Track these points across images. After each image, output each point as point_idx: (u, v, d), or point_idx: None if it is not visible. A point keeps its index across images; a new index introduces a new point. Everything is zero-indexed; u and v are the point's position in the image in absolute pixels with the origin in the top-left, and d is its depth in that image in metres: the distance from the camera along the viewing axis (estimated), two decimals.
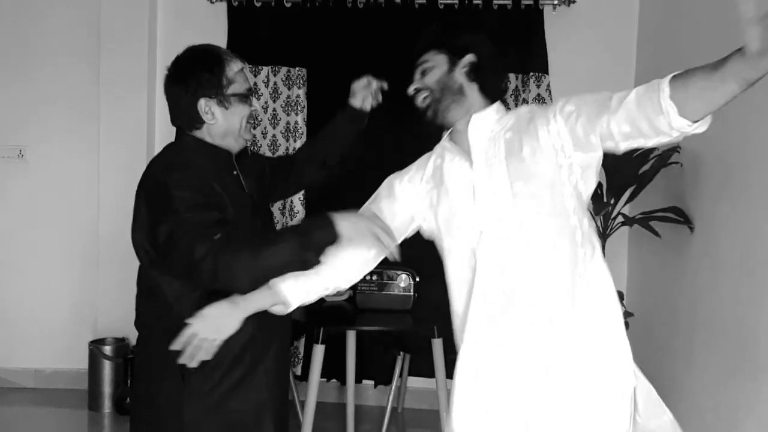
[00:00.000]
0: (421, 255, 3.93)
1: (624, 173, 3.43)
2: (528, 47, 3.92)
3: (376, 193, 2.06)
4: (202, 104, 1.91)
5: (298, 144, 4.01)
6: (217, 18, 4.08)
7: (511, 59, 3.94)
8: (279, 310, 1.88)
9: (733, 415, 2.77)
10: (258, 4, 4.00)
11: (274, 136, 4.07)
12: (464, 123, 1.89)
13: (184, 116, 1.93)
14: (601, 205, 3.40)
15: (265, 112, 4.06)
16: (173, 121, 1.99)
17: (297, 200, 4.03)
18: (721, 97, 1.57)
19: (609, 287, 1.81)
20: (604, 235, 3.53)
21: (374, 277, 3.28)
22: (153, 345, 1.95)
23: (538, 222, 1.76)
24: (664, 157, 3.32)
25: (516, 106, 3.97)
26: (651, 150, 3.41)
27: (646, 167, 3.39)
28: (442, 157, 1.95)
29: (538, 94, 3.93)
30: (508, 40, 3.92)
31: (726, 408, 2.83)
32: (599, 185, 3.50)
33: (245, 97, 1.97)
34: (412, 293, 3.27)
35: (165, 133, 4.16)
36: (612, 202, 3.48)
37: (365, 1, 3.96)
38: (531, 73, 3.92)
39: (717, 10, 3.05)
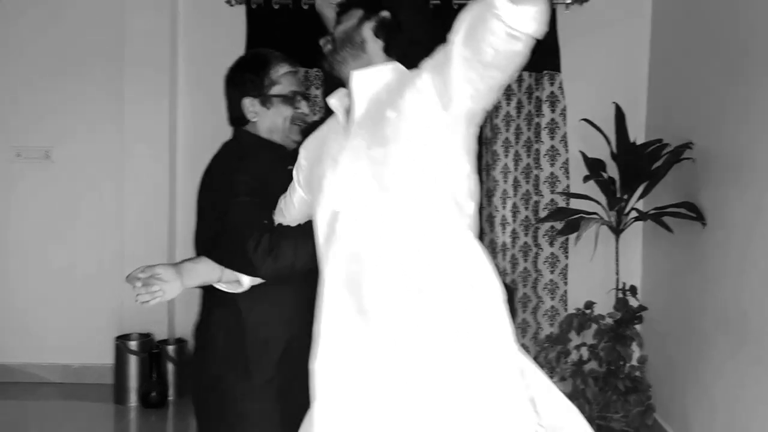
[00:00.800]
0: None
1: (637, 169, 3.47)
2: (541, 46, 3.92)
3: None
4: (246, 103, 2.05)
5: None
6: (236, 20, 4.16)
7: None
8: (228, 288, 1.90)
9: (748, 409, 2.81)
10: (276, 7, 4.08)
11: None
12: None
13: (234, 114, 2.09)
14: (614, 200, 3.46)
15: None
16: (229, 120, 2.13)
17: None
18: None
19: (481, 273, 1.66)
20: (618, 231, 3.58)
21: None
22: (220, 339, 2.00)
23: (400, 196, 1.61)
24: (677, 152, 3.36)
25: (529, 104, 4.02)
26: (664, 146, 3.45)
27: (658, 163, 3.44)
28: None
29: (552, 92, 3.97)
30: None
31: (740, 402, 2.87)
32: (612, 180, 3.56)
33: (289, 98, 2.07)
34: None
35: (188, 134, 4.26)
36: (625, 197, 3.52)
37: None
38: (544, 72, 3.97)
39: (731, 8, 3.08)
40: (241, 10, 4.15)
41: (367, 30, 1.79)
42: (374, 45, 1.78)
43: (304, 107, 2.11)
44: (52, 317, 4.41)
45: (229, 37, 4.18)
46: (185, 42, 4.27)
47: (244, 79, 2.07)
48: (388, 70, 1.76)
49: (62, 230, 4.41)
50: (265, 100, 2.05)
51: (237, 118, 2.09)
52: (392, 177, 1.61)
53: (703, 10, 3.36)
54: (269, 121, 2.06)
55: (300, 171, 1.92)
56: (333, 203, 1.69)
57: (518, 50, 1.50)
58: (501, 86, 1.58)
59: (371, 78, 1.75)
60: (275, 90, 2.06)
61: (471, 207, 1.67)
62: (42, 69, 4.35)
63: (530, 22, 1.46)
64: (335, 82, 1.85)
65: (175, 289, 1.83)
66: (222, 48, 4.19)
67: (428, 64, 1.65)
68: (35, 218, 4.42)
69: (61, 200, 4.40)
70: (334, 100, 1.82)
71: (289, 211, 1.94)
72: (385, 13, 1.77)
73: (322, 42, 1.86)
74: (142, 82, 4.19)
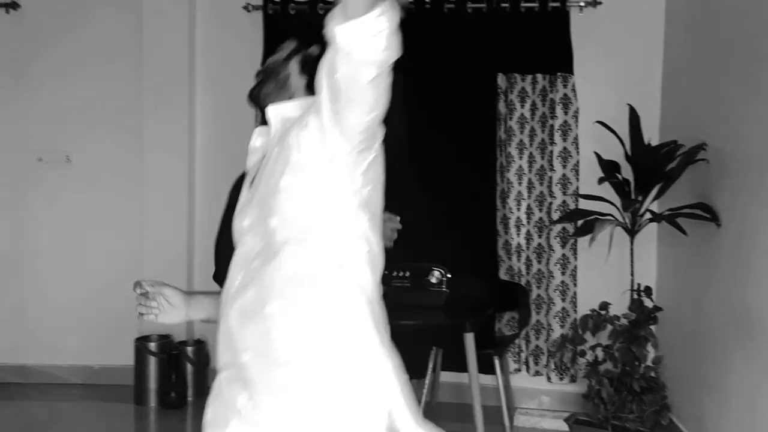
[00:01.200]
0: (452, 251, 4.07)
1: (651, 170, 3.49)
2: (554, 48, 4.00)
3: None
4: None
5: None
6: (254, 26, 4.22)
7: (538, 60, 4.02)
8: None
9: (763, 409, 2.81)
10: (292, 12, 4.14)
11: None
12: None
13: None
14: (628, 202, 3.47)
15: None
16: None
17: None
18: None
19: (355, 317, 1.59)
20: (632, 232, 3.59)
21: (407, 273, 3.38)
22: None
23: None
24: (691, 153, 3.37)
25: (544, 106, 4.05)
26: (678, 147, 3.47)
27: (673, 164, 3.45)
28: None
29: (565, 94, 4.00)
30: (535, 41, 4.01)
31: (756, 402, 2.88)
32: (626, 182, 3.58)
33: None
34: (444, 289, 3.37)
35: (207, 138, 4.32)
36: (640, 199, 3.54)
37: None
38: (558, 74, 4.00)
39: (745, 8, 3.10)
40: (258, 16, 4.21)
41: (294, 64, 1.72)
42: (298, 80, 1.71)
43: None
44: (73, 319, 4.48)
45: (247, 43, 4.23)
46: (203, 47, 4.33)
47: None
48: (296, 104, 1.68)
49: (83, 233, 4.48)
50: None
51: None
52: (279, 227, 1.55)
53: (717, 11, 3.38)
54: None
55: None
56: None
57: (367, 78, 1.45)
58: (372, 122, 1.51)
59: (282, 114, 1.69)
60: None
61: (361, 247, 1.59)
62: (62, 75, 4.43)
63: (371, 48, 1.45)
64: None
65: (177, 316, 1.80)
66: (239, 53, 4.27)
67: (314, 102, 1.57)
68: (56, 221, 4.49)
69: (82, 203, 4.47)
70: (256, 139, 1.76)
71: None
72: (314, 49, 1.68)
73: (256, 73, 1.77)
74: (161, 87, 4.26)
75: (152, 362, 4.16)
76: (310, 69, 1.65)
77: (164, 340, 4.23)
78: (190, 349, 4.21)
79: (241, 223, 1.64)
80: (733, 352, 3.07)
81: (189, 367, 4.20)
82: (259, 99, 1.72)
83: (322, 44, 1.52)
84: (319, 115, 1.50)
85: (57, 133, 4.46)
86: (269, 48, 4.18)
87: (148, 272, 4.27)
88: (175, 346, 4.20)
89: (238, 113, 4.17)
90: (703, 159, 3.36)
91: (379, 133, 1.59)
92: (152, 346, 4.18)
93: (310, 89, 1.66)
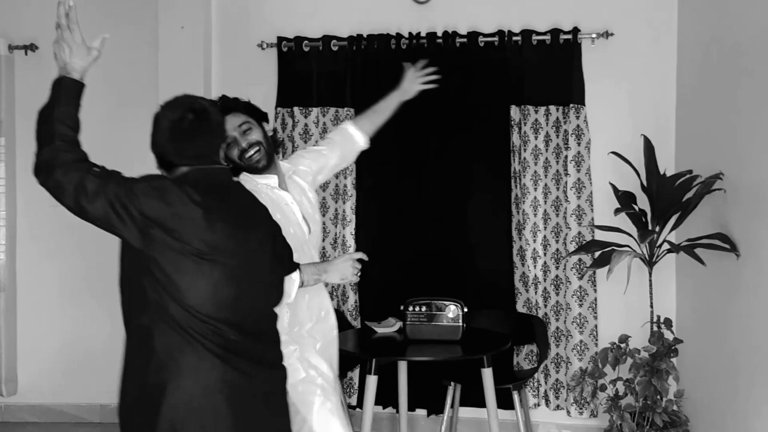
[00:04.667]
0: (469, 284, 4.05)
1: (668, 200, 3.47)
2: (567, 80, 4.01)
3: None
4: (222, 148, 2.31)
5: (349, 181, 4.15)
6: (267, 63, 4.27)
7: (551, 92, 4.03)
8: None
9: None
10: (306, 49, 4.18)
11: None
12: (279, 173, 2.67)
13: (212, 154, 2.19)
14: (646, 233, 3.45)
15: None
16: (200, 160, 2.16)
17: (348, 234, 4.16)
18: (383, 121, 3.08)
19: None
20: (650, 263, 3.56)
21: (423, 309, 3.37)
22: None
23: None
24: (708, 183, 3.35)
25: (557, 137, 4.05)
26: (694, 177, 3.45)
27: (689, 194, 3.43)
28: (271, 195, 2.61)
29: (578, 126, 4.00)
30: (548, 73, 4.02)
31: None
32: (643, 213, 3.56)
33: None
34: (461, 323, 3.34)
35: None
36: (657, 229, 3.52)
37: (408, 42, 4.10)
38: (571, 105, 4.00)
39: (757, 35, 3.09)
40: (272, 53, 4.26)
41: (268, 136, 2.71)
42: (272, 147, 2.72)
43: None
44: (91, 357, 4.47)
45: (261, 79, 4.28)
46: (218, 86, 4.37)
47: (222, 129, 2.22)
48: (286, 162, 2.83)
49: (98, 271, 4.48)
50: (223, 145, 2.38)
51: (214, 156, 2.17)
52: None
53: (730, 40, 3.38)
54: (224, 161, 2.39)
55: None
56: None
57: None
58: None
59: (294, 173, 2.78)
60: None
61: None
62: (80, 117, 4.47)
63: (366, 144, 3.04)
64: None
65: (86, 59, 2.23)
66: (254, 91, 4.30)
67: (305, 157, 2.90)
68: (73, 257, 4.51)
69: (103, 242, 4.47)
70: (276, 189, 2.67)
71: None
72: (269, 126, 2.74)
73: (245, 146, 2.59)
74: None
75: None
76: (274, 137, 2.83)
77: None
78: None
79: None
80: (756, 385, 3.01)
81: None
82: (268, 164, 2.65)
83: (267, 120, 2.79)
84: (321, 169, 2.97)
85: None
86: (284, 85, 4.29)
87: None
88: None
89: None
90: (720, 189, 3.34)
91: None
92: None
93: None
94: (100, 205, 2.01)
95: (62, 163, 2.03)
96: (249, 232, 2.11)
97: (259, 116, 2.66)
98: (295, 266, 2.36)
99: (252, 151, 2.55)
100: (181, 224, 1.99)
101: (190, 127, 2.12)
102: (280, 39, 4.22)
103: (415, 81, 3.05)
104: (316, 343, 2.65)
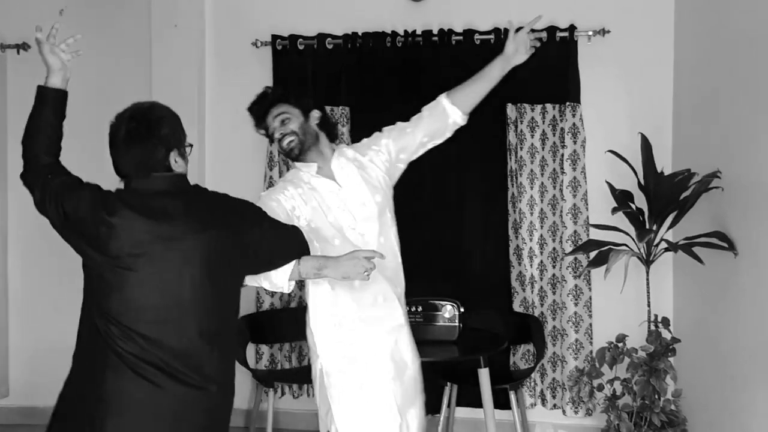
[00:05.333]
0: (465, 283, 4.02)
1: (665, 199, 3.45)
2: (563, 78, 3.99)
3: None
4: (172, 156, 2.19)
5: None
6: (262, 61, 4.24)
7: (547, 90, 4.01)
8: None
9: None
10: (301, 47, 4.15)
11: None
12: (323, 160, 2.62)
13: (153, 163, 2.18)
14: (644, 232, 3.43)
15: None
16: (144, 169, 2.20)
17: None
18: (483, 92, 2.74)
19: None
20: (648, 262, 3.54)
21: (419, 309, 3.34)
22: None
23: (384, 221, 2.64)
24: (705, 182, 3.33)
25: (554, 135, 4.03)
26: (692, 175, 3.43)
27: (687, 193, 3.41)
28: (310, 183, 2.60)
29: (574, 124, 3.98)
30: (544, 71, 3.98)
31: None
32: (640, 211, 3.54)
33: (190, 146, 2.31)
34: (457, 324, 3.32)
35: (216, 177, 4.32)
36: (654, 228, 3.50)
37: (404, 39, 4.08)
38: (567, 103, 3.98)
39: (755, 32, 3.08)
40: (266, 52, 4.23)
41: (314, 124, 2.62)
42: (322, 134, 2.64)
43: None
44: None
45: (255, 78, 4.24)
46: (212, 84, 4.35)
47: (173, 135, 2.20)
48: (346, 148, 2.73)
49: None
50: (183, 152, 2.24)
51: (152, 167, 2.17)
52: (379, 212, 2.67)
53: (727, 37, 3.36)
54: (184, 170, 2.24)
55: (295, 220, 2.52)
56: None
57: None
58: None
59: (342, 156, 2.66)
60: (187, 142, 2.28)
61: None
62: (71, 115, 4.43)
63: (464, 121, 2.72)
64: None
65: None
66: (249, 89, 4.26)
67: (385, 137, 2.72)
68: (68, 257, 4.46)
69: None
70: (317, 176, 2.62)
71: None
72: (317, 113, 2.64)
73: (277, 136, 2.60)
74: None
75: None
76: (325, 126, 2.67)
77: None
78: None
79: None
80: (755, 384, 3.00)
81: None
82: (302, 154, 2.60)
83: (317, 107, 2.67)
84: (401, 150, 2.76)
85: (70, 170, 4.46)
86: (279, 83, 4.24)
87: None
88: None
89: (250, 151, 4.21)
90: (717, 187, 3.32)
91: None
92: None
93: (330, 138, 2.69)
94: (51, 208, 2.24)
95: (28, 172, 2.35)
96: (174, 243, 2.09)
97: (302, 106, 2.62)
98: (290, 259, 2.29)
99: (286, 141, 2.57)
100: (99, 232, 2.09)
101: (125, 138, 2.18)
102: (275, 37, 4.18)
103: (522, 43, 2.67)
104: (363, 330, 2.59)
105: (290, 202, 2.53)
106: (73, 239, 2.18)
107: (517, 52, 2.65)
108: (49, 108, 2.40)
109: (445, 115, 2.66)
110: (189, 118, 4.20)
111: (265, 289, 2.93)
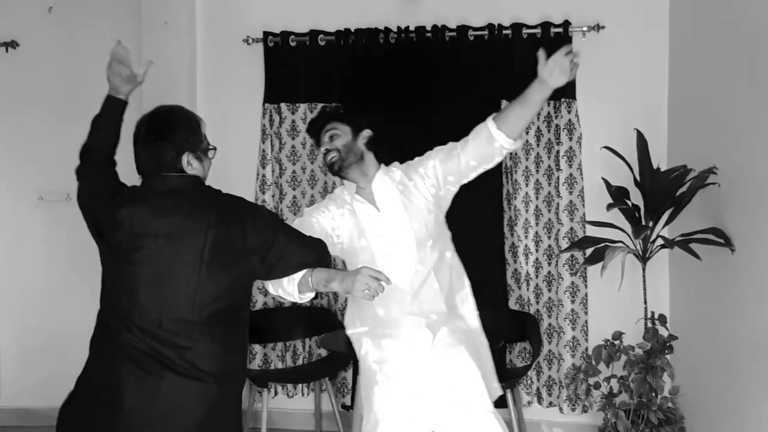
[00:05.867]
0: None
1: (662, 195, 3.43)
2: None
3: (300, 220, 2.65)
4: (185, 158, 2.29)
5: (337, 179, 4.07)
6: (254, 58, 4.19)
7: None
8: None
9: None
10: (293, 44, 4.11)
11: (312, 170, 4.15)
12: (366, 180, 2.66)
13: (167, 164, 2.29)
14: (640, 228, 3.40)
15: (303, 148, 4.15)
16: (157, 168, 2.31)
17: None
18: (527, 117, 2.63)
19: None
20: (644, 259, 3.52)
21: None
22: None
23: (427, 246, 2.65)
24: (702, 177, 3.31)
25: (549, 132, 4.00)
26: (688, 171, 3.41)
27: (683, 189, 3.39)
28: (351, 204, 2.65)
29: (569, 120, 3.95)
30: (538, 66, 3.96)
31: None
32: (636, 208, 3.52)
33: (211, 152, 2.40)
34: None
35: (209, 182, 4.27)
36: (651, 225, 3.47)
37: (397, 36, 4.04)
38: (562, 99, 3.95)
39: (752, 28, 3.05)
40: (258, 48, 4.18)
41: (361, 144, 2.66)
42: (368, 154, 2.67)
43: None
44: (73, 361, 4.39)
45: (247, 75, 4.21)
46: (203, 82, 4.30)
47: (186, 138, 2.30)
48: (390, 169, 2.73)
49: (85, 273, 4.42)
50: (202, 155, 2.34)
51: (166, 166, 2.29)
52: (421, 235, 2.70)
53: (723, 32, 3.34)
54: (200, 171, 2.34)
55: (335, 240, 2.60)
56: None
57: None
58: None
59: (387, 178, 2.68)
60: (205, 144, 2.37)
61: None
62: (61, 112, 4.40)
63: (517, 144, 2.63)
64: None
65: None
66: (240, 86, 4.25)
67: (433, 157, 2.69)
68: (57, 262, 4.43)
69: (82, 244, 4.40)
70: (357, 197, 2.67)
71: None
72: (368, 132, 2.68)
73: (322, 151, 2.67)
74: None
75: None
76: (374, 146, 2.70)
77: None
78: None
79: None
80: (753, 380, 2.98)
81: None
82: (342, 171, 2.65)
83: (369, 126, 2.71)
84: (448, 173, 2.71)
85: (57, 172, 4.40)
86: (270, 80, 4.21)
87: None
88: None
89: (242, 149, 4.18)
90: (713, 183, 3.30)
91: None
92: None
93: (377, 158, 2.72)
94: (82, 198, 2.43)
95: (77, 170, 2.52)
96: (174, 240, 2.19)
97: (354, 124, 2.69)
98: (302, 267, 2.28)
99: (328, 156, 2.64)
100: (107, 223, 2.25)
101: (143, 139, 2.33)
102: (266, 34, 4.14)
103: (558, 66, 2.55)
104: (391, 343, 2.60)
105: (330, 222, 2.60)
106: (91, 229, 2.35)
107: (553, 76, 2.53)
108: (113, 115, 2.58)
109: (492, 140, 2.58)
110: None
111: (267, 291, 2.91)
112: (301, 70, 4.12)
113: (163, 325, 2.17)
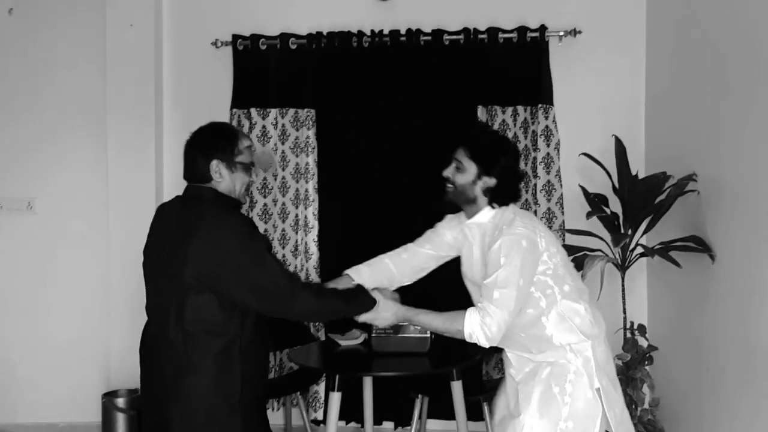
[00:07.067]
0: (436, 292, 3.89)
1: (640, 203, 3.36)
2: (535, 79, 3.89)
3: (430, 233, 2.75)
4: (214, 165, 2.34)
5: (310, 185, 3.97)
6: (222, 62, 4.08)
7: (519, 91, 3.90)
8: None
9: None
10: (263, 48, 4.00)
11: (284, 177, 4.03)
12: (470, 215, 2.53)
13: (198, 171, 2.37)
14: (619, 236, 3.33)
15: (275, 153, 4.03)
16: (188, 176, 2.41)
17: (311, 241, 3.99)
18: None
19: None
20: (623, 267, 3.45)
21: None
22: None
23: None
24: (681, 185, 3.25)
25: (526, 138, 3.92)
26: (667, 178, 3.35)
27: (662, 196, 3.33)
28: (462, 231, 2.60)
29: (546, 126, 3.88)
30: (515, 72, 3.89)
31: None
32: (615, 216, 3.45)
33: (248, 167, 2.42)
34: (428, 335, 3.18)
35: (173, 185, 4.14)
36: (630, 233, 3.41)
37: (371, 40, 3.94)
38: (539, 105, 3.88)
39: (728, 35, 3.01)
40: (227, 52, 4.06)
41: (479, 189, 2.45)
42: (482, 200, 2.47)
43: (252, 177, 2.51)
44: (36, 374, 4.24)
45: (215, 80, 4.10)
46: (170, 86, 4.18)
47: (216, 144, 2.36)
48: (485, 215, 2.49)
49: (46, 283, 4.26)
50: (231, 165, 2.36)
51: (199, 175, 2.36)
52: None
53: (700, 38, 3.30)
54: (229, 183, 2.38)
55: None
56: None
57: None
58: None
59: (478, 221, 2.52)
60: (240, 158, 2.38)
61: None
62: (23, 119, 4.24)
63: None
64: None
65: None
66: (208, 91, 4.13)
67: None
68: (17, 270, 4.26)
69: (45, 252, 4.25)
70: (466, 223, 2.55)
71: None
72: (492, 182, 2.43)
73: (444, 175, 2.50)
74: (127, 130, 4.08)
75: (120, 419, 3.88)
76: (492, 195, 2.45)
77: (134, 394, 3.97)
78: None
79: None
80: (734, 391, 2.92)
81: None
82: (452, 203, 2.53)
83: (497, 176, 2.42)
84: None
85: (18, 179, 4.26)
86: (240, 85, 4.09)
87: (115, 324, 4.08)
88: None
89: None
90: (693, 190, 3.24)
91: None
92: (120, 401, 3.92)
93: (490, 204, 2.47)
94: None
95: None
96: (164, 253, 2.34)
97: (483, 166, 2.45)
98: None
99: (446, 186, 2.51)
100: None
101: (185, 150, 2.42)
102: (236, 37, 4.02)
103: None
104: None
105: (454, 235, 2.64)
106: None
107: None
108: None
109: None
110: (146, 119, 4.09)
111: None
112: (271, 74, 4.01)
113: (155, 333, 2.40)
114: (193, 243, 2.22)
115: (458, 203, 2.51)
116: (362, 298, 2.47)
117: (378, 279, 2.68)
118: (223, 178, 2.35)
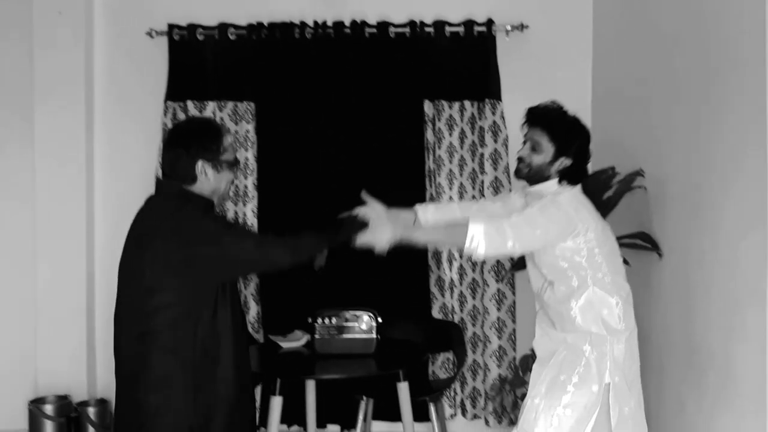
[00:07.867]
0: (382, 290, 3.80)
1: (588, 198, 3.32)
2: (482, 74, 3.84)
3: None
4: (199, 165, 2.30)
5: (250, 182, 3.82)
6: (157, 52, 3.91)
7: (466, 86, 3.84)
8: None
9: None
10: (201, 38, 3.84)
11: None
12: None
13: (182, 172, 2.30)
14: None
15: None
16: (172, 176, 2.33)
17: (250, 212, 3.84)
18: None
19: None
20: None
21: (333, 320, 3.09)
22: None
23: None
24: (628, 180, 3.23)
25: (473, 134, 3.86)
26: (614, 174, 3.33)
27: (609, 193, 3.30)
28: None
29: (494, 122, 3.82)
30: (462, 66, 3.83)
31: None
32: None
33: (232, 165, 2.38)
34: (374, 336, 3.09)
35: (107, 164, 3.98)
36: None
37: (314, 31, 3.82)
38: (486, 100, 3.82)
39: (676, 31, 2.99)
40: (162, 42, 3.89)
41: (554, 168, 2.51)
42: (554, 177, 2.53)
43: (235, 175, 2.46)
44: None
45: (149, 71, 3.93)
46: (101, 77, 3.99)
47: (200, 144, 2.30)
48: (551, 184, 2.54)
49: None
50: (217, 165, 2.32)
51: (182, 176, 2.30)
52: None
53: (647, 34, 3.29)
54: (214, 183, 2.33)
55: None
56: None
57: None
58: None
59: (543, 189, 2.57)
60: (225, 157, 2.34)
61: None
62: None
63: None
64: None
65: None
66: (142, 82, 3.95)
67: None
68: None
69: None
70: (531, 193, 2.62)
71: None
72: (567, 161, 2.50)
73: (519, 154, 2.57)
74: (55, 125, 3.87)
75: (49, 426, 3.73)
76: (564, 174, 2.52)
77: (62, 401, 3.79)
78: (92, 411, 3.77)
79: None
80: (682, 388, 2.91)
81: (91, 431, 3.76)
82: (525, 179, 2.58)
83: (572, 157, 2.50)
84: None
85: None
86: (175, 76, 3.92)
87: (42, 324, 3.87)
88: (74, 408, 3.77)
89: (143, 144, 3.91)
90: (640, 186, 3.22)
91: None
92: (48, 408, 3.73)
93: (559, 182, 2.53)
94: None
95: None
96: (133, 247, 2.32)
97: (561, 146, 2.50)
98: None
99: (518, 164, 2.58)
100: None
101: (165, 144, 2.39)
102: (171, 27, 3.86)
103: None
104: None
105: (522, 202, 2.68)
106: None
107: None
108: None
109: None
110: (76, 108, 3.88)
111: None
112: (209, 65, 3.86)
113: (122, 329, 2.38)
114: (158, 243, 2.24)
115: (529, 182, 2.57)
116: (347, 226, 2.45)
117: (443, 218, 2.69)
118: (209, 179, 2.32)
